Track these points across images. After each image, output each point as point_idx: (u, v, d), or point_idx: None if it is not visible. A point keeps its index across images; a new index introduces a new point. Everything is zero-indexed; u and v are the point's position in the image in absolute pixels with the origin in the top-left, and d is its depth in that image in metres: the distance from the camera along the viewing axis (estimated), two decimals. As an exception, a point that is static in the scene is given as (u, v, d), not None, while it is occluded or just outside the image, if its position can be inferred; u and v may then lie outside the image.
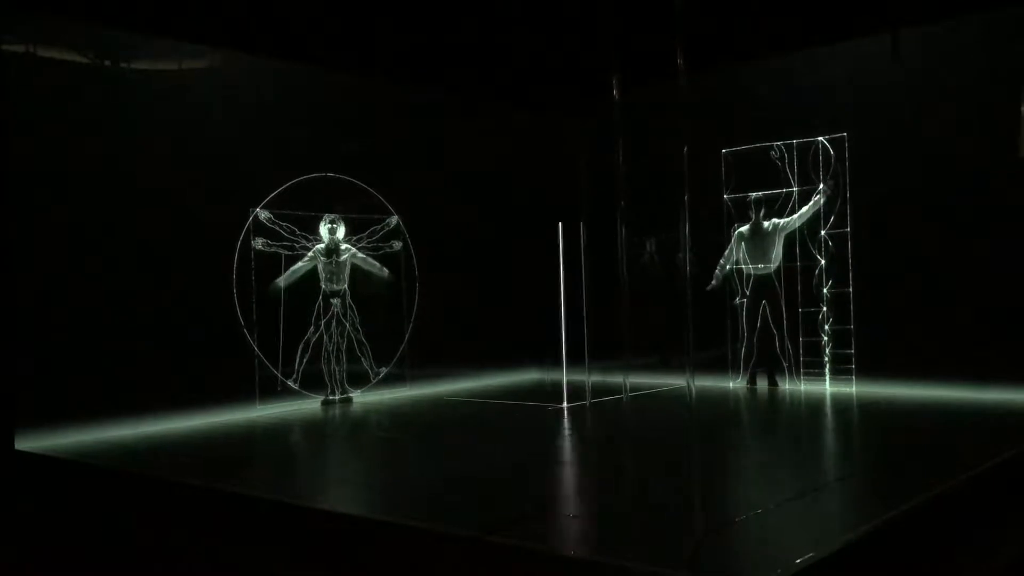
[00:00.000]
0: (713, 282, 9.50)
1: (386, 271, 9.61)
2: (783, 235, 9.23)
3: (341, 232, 9.29)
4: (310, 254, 9.10)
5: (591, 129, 10.50)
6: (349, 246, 9.28)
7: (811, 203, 9.07)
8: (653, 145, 7.78)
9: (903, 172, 8.83)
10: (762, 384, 9.38)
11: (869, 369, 8.89)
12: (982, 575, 4.38)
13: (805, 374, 9.21)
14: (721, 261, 9.56)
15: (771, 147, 9.17)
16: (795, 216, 9.14)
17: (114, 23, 8.05)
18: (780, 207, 9.31)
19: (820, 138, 9.11)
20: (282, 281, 8.92)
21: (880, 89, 9.00)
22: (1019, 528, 5.15)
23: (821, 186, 9.00)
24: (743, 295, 9.49)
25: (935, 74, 8.77)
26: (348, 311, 9.34)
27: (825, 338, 9.08)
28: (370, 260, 9.50)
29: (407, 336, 10.12)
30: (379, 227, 9.69)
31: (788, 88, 9.53)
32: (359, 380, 9.64)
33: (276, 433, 7.81)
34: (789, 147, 9.22)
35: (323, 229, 9.22)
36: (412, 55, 9.66)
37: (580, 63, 9.47)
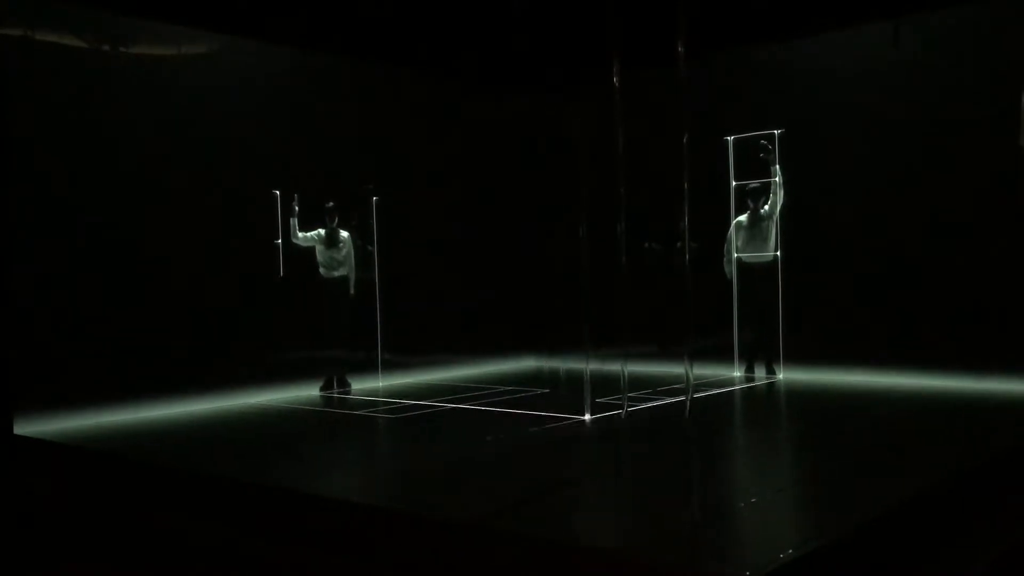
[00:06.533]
0: (727, 275, 9.53)
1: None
2: (774, 222, 9.22)
3: (341, 231, 9.17)
4: (312, 234, 9.04)
5: (591, 114, 10.44)
6: (348, 233, 9.22)
7: (774, 181, 9.10)
8: (653, 131, 7.79)
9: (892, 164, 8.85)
10: (760, 373, 9.40)
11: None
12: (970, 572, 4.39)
13: (801, 363, 9.26)
14: (725, 251, 9.57)
15: (760, 141, 9.12)
16: (773, 199, 9.13)
17: (113, 7, 8.02)
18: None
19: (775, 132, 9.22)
20: (294, 222, 8.90)
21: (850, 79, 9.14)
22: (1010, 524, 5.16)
23: (761, 154, 9.10)
24: (744, 284, 9.50)
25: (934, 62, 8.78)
26: (348, 297, 9.28)
27: None
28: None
29: (405, 324, 10.11)
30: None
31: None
32: (358, 368, 9.66)
33: (271, 421, 7.81)
34: (769, 138, 9.19)
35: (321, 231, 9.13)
36: (408, 39, 9.64)
37: (579, 47, 9.45)
